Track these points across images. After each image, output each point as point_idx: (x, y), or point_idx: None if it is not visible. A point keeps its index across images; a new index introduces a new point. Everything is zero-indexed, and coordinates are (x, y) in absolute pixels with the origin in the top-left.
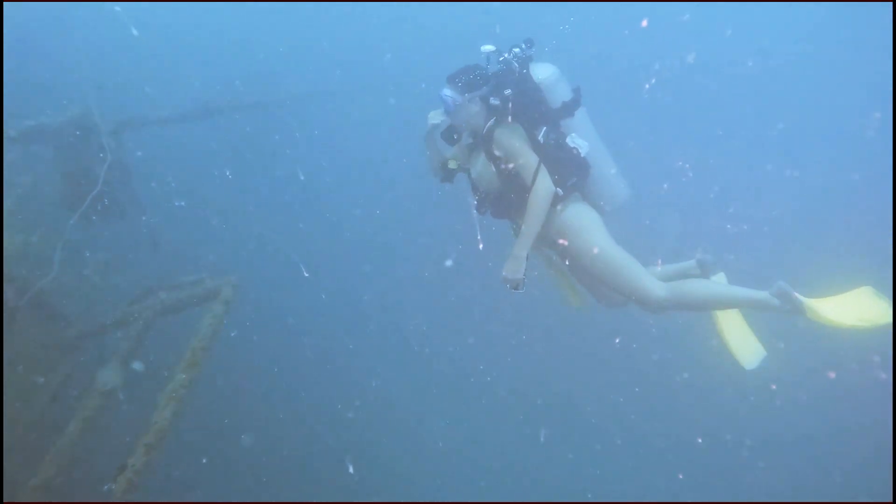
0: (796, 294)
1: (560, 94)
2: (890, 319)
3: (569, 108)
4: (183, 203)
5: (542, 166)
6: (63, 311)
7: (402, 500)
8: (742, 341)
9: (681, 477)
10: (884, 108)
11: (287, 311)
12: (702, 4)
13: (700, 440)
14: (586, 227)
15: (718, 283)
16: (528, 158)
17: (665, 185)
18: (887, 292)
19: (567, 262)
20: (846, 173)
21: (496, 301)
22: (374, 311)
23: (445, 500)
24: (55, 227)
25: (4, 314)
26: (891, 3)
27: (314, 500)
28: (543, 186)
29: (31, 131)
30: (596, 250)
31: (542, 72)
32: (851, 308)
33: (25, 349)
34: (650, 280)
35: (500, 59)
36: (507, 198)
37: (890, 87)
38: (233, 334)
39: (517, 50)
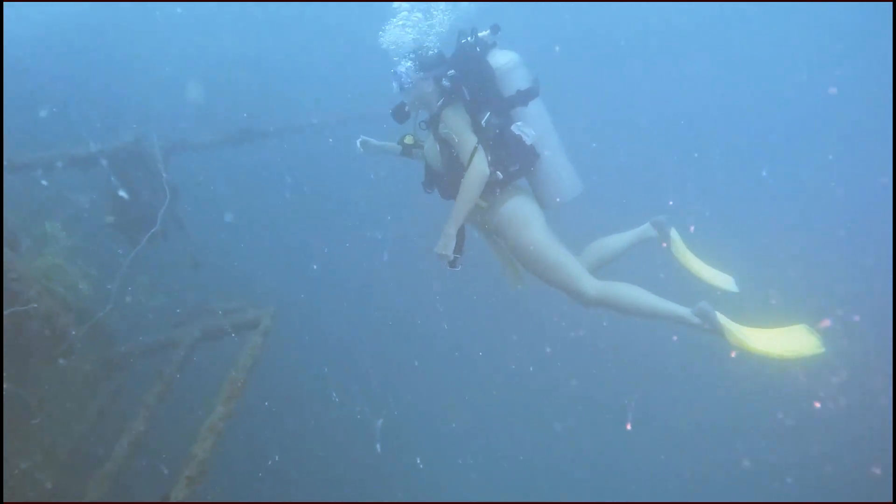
0: (718, 316)
1: (516, 81)
2: (821, 351)
3: (522, 98)
4: (224, 223)
5: (480, 148)
6: (110, 330)
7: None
8: (711, 274)
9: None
10: (884, 108)
11: (328, 330)
12: (702, 5)
13: (697, 439)
14: (523, 219)
15: (647, 294)
16: (466, 139)
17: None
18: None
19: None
20: (845, 174)
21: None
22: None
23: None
24: (108, 251)
25: (63, 343)
26: (891, 4)
27: None
28: (476, 168)
29: (89, 157)
30: (529, 245)
31: (501, 58)
32: (782, 340)
33: (75, 366)
34: (582, 278)
35: (462, 41)
36: (448, 178)
37: (890, 88)
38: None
39: (482, 34)
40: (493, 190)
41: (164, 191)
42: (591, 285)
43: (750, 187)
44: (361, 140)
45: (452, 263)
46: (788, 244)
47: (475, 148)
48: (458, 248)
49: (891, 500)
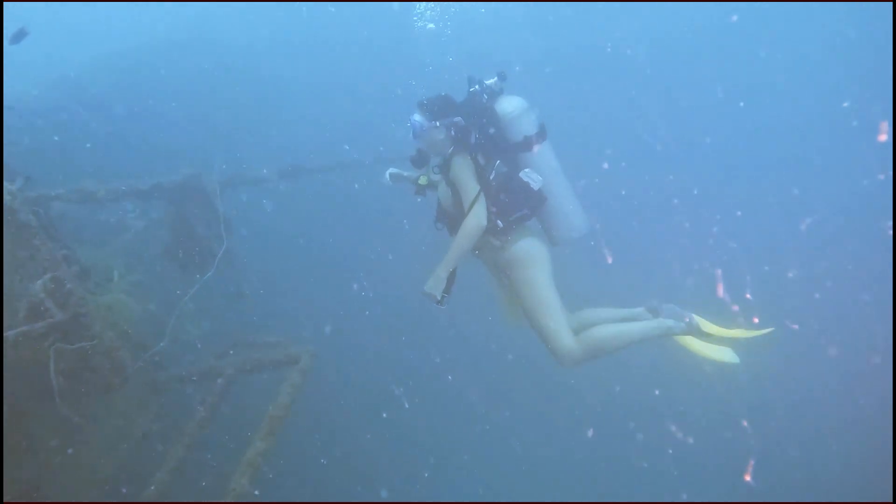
0: (684, 313)
1: (523, 127)
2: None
3: (528, 143)
4: (269, 253)
5: (481, 198)
6: (160, 357)
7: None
8: (712, 350)
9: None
10: (884, 108)
11: (371, 365)
12: (701, 6)
13: (694, 440)
14: (530, 259)
15: (619, 324)
16: (469, 188)
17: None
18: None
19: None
20: (844, 175)
21: None
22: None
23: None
24: (165, 283)
25: (120, 376)
26: (891, 4)
27: None
28: (474, 218)
29: (151, 190)
30: (529, 283)
31: (508, 105)
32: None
33: (123, 389)
34: (566, 332)
35: (471, 89)
36: (458, 218)
37: (890, 88)
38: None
39: (489, 82)
40: (505, 231)
41: (218, 224)
42: (572, 343)
43: (746, 189)
44: (390, 173)
45: (440, 302)
46: (787, 246)
47: (476, 197)
48: (447, 289)
49: (891, 500)
